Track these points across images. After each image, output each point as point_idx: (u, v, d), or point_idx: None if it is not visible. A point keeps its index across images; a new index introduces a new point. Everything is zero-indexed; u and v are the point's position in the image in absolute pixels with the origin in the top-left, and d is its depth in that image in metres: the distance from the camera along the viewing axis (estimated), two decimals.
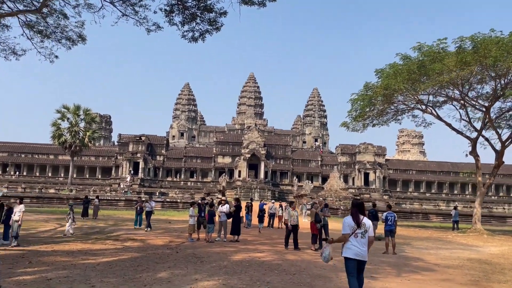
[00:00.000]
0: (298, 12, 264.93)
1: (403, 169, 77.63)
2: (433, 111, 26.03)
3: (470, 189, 75.30)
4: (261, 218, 21.59)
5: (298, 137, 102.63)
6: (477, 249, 15.96)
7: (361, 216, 6.66)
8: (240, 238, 15.33)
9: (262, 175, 66.69)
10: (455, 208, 29.48)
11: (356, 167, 72.41)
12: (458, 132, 25.88)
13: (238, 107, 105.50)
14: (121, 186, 57.59)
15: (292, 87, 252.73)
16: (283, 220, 23.31)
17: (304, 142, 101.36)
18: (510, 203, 71.84)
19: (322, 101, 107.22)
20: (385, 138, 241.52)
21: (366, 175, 72.20)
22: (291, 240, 13.43)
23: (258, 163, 67.89)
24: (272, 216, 22.64)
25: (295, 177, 67.97)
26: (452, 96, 25.08)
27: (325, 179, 70.10)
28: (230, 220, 15.43)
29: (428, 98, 26.32)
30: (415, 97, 24.61)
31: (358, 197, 58.67)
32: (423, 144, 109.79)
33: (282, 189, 68.54)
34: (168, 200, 40.90)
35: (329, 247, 6.87)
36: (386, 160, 77.47)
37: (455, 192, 75.82)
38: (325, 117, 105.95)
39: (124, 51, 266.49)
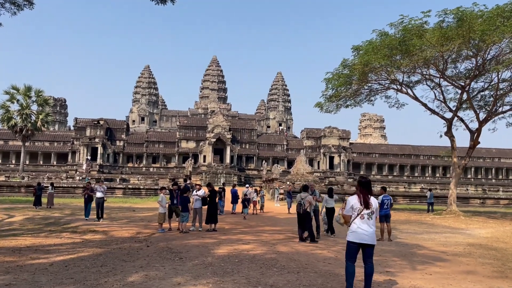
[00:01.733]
0: None
1: (366, 152, 78.42)
2: (408, 90, 25.21)
3: (430, 171, 77.27)
4: (244, 204, 20.29)
5: (262, 121, 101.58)
6: (467, 232, 15.23)
7: (369, 196, 5.86)
8: (217, 227, 13.75)
9: (228, 160, 65.12)
10: (430, 190, 29.20)
11: (322, 151, 72.24)
12: (433, 112, 25.28)
13: (201, 91, 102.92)
14: (83, 167, 54.36)
15: (256, 71, 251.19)
16: (258, 205, 21.99)
17: (268, 126, 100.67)
18: (470, 184, 73.98)
19: (286, 86, 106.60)
20: (348, 122, 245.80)
21: (331, 159, 72.23)
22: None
23: (223, 147, 66.19)
24: (246, 201, 21.22)
25: (263, 161, 67.02)
26: (427, 75, 24.31)
27: (290, 163, 69.64)
28: (205, 207, 13.82)
29: (403, 77, 25.47)
30: (392, 75, 23.66)
31: (326, 179, 58.45)
32: (384, 128, 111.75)
33: (248, 174, 67.38)
34: (130, 187, 38.59)
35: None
36: (350, 143, 77.90)
37: (416, 174, 77.50)
38: (289, 101, 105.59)
39: (80, 30, 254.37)
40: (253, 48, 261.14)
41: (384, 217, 12.30)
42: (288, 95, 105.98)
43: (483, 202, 43.66)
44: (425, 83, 26.49)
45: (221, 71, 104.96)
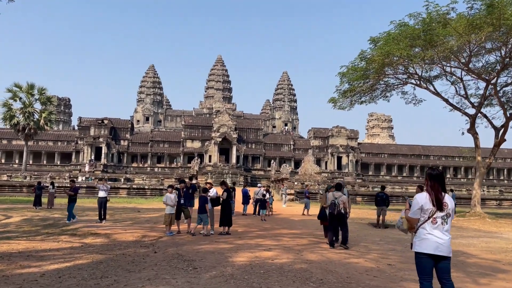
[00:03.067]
0: None
1: (375, 152, 76.94)
2: (428, 85, 23.82)
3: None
4: (263, 204, 18.98)
5: (267, 121, 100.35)
6: (503, 236, 13.89)
7: (443, 194, 4.53)
8: (230, 230, 12.45)
9: (234, 160, 63.87)
10: (452, 190, 27.78)
11: (329, 151, 70.86)
12: (456, 108, 23.88)
13: (205, 91, 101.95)
14: (85, 168, 53.30)
15: (261, 70, 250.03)
16: (270, 206, 20.69)
17: (274, 126, 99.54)
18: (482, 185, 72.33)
19: (292, 85, 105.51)
20: (355, 122, 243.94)
21: (339, 159, 70.85)
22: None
23: (229, 147, 64.95)
24: (258, 202, 19.90)
25: (272, 161, 65.76)
26: (449, 68, 22.90)
27: (297, 163, 68.43)
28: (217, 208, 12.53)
29: (422, 71, 24.09)
30: (412, 69, 22.29)
31: (334, 180, 57.13)
32: (392, 128, 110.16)
33: (254, 174, 66.10)
34: (134, 186, 37.46)
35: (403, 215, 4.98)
36: (358, 144, 76.45)
37: None
38: (295, 101, 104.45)
39: (85, 30, 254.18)
40: (258, 48, 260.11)
41: None
42: (294, 95, 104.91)
43: (500, 203, 42.18)
44: (444, 77, 25.10)
45: (226, 70, 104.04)
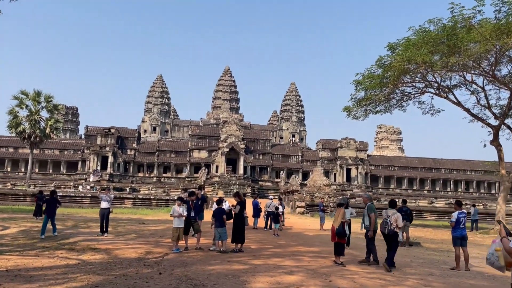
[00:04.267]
0: (276, 5, 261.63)
1: (385, 165, 75.50)
2: (449, 95, 22.71)
3: (452, 186, 74.04)
4: (276, 218, 17.79)
5: (275, 132, 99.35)
6: None
7: None
8: (243, 247, 11.32)
9: (241, 171, 62.78)
10: (474, 206, 26.33)
11: (338, 162, 69.59)
12: (478, 119, 22.74)
13: (213, 101, 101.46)
14: (90, 179, 52.50)
15: (268, 82, 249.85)
16: (283, 219, 19.51)
17: (281, 137, 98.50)
18: (490, 199, 70.44)
19: (299, 96, 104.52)
20: (363, 134, 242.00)
21: (348, 171, 69.54)
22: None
23: (237, 157, 63.93)
24: (270, 215, 18.76)
25: (282, 172, 64.63)
26: (473, 75, 21.78)
27: (305, 175, 67.24)
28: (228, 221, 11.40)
29: (440, 80, 23.00)
30: (433, 76, 21.20)
31: (344, 192, 55.70)
32: (402, 140, 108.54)
33: (261, 185, 64.91)
34: (140, 197, 36.46)
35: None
36: (368, 156, 75.10)
37: (437, 188, 74.26)
38: (303, 112, 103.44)
39: (93, 39, 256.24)
40: (266, 59, 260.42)
41: (460, 239, 9.77)
42: (302, 106, 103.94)
43: None
44: (464, 87, 24.00)
45: (234, 81, 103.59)
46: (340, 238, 10.01)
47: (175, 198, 35.03)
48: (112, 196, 16.14)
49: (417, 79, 23.03)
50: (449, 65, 19.36)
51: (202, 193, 14.66)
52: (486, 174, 75.61)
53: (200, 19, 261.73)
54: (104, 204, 14.94)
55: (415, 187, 73.83)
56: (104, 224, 14.66)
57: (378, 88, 22.00)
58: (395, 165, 75.72)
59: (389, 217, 9.50)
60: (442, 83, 22.67)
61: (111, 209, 15.29)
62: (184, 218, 11.11)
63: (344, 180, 68.70)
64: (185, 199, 11.50)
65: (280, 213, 18.41)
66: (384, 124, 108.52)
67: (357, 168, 69.37)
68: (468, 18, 17.83)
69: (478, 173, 76.32)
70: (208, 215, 14.81)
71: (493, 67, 20.29)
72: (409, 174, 74.13)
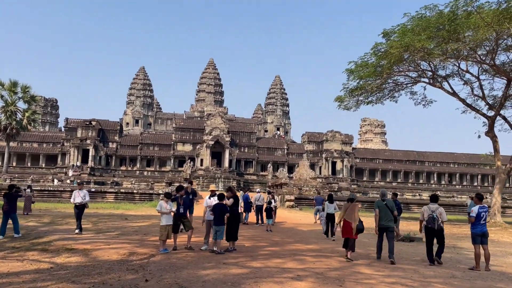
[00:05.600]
0: None
1: (369, 158, 75.48)
2: (444, 84, 22.04)
3: (435, 178, 74.43)
4: (269, 213, 16.79)
5: (259, 125, 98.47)
6: None
7: None
8: (235, 244, 10.30)
9: (226, 164, 61.74)
10: (472, 198, 25.78)
11: (324, 155, 69.18)
12: (473, 109, 22.16)
13: (197, 94, 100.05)
14: (69, 174, 50.73)
15: (253, 75, 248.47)
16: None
17: (266, 131, 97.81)
18: (473, 191, 71.07)
19: (284, 89, 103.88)
20: (347, 127, 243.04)
21: (334, 164, 69.20)
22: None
23: (222, 151, 62.83)
24: (260, 210, 17.77)
25: (269, 165, 63.99)
26: (464, 66, 21.14)
27: (290, 168, 66.73)
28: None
29: (434, 68, 22.30)
30: (428, 65, 20.45)
31: (329, 185, 55.17)
32: (385, 133, 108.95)
33: (247, 179, 63.97)
34: (122, 191, 35.09)
35: None
36: (353, 148, 74.91)
37: (421, 181, 74.61)
38: (287, 105, 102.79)
39: (73, 30, 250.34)
40: (250, 51, 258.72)
41: (481, 237, 8.97)
42: (287, 99, 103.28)
43: (503, 211, 40.66)
44: (457, 77, 23.36)
45: (218, 74, 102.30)
46: (356, 235, 9.95)
47: (160, 192, 33.86)
48: (86, 191, 14.14)
49: (411, 68, 22.29)
50: (449, 52, 18.62)
51: (191, 186, 13.56)
52: (469, 167, 76.26)
53: (184, 11, 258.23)
54: (78, 200, 13.42)
55: (399, 180, 74.04)
56: (78, 223, 13.20)
57: (373, 76, 21.17)
58: (380, 158, 75.80)
59: (434, 212, 9.36)
60: (436, 72, 21.96)
61: (87, 205, 13.85)
62: (172, 214, 10.01)
63: (330, 173, 68.35)
64: (174, 195, 10.33)
65: (274, 207, 17.44)
66: (368, 117, 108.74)
67: (342, 161, 69.05)
68: (470, 2, 17.06)
69: (461, 165, 76.97)
70: (199, 209, 13.76)
71: (494, 55, 19.60)
72: (393, 167, 74.26)
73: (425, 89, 24.35)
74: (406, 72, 22.65)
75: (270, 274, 7.24)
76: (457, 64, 21.82)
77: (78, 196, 13.47)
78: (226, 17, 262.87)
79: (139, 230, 14.18)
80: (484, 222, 9.09)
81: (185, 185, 11.56)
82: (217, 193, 10.52)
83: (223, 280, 6.68)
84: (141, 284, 6.42)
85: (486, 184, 75.51)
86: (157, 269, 7.59)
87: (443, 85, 22.12)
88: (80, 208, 13.29)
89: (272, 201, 17.49)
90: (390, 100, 25.98)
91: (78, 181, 40.20)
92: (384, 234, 9.80)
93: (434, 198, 9.78)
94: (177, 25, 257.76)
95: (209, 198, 10.26)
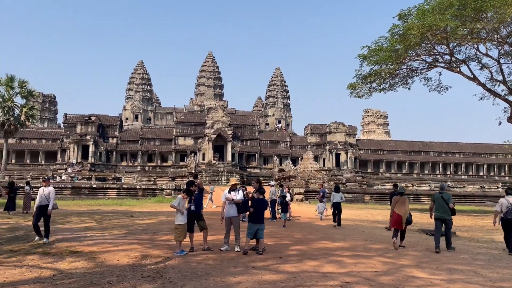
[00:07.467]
0: None
1: (373, 149, 74.51)
2: (461, 68, 20.95)
3: (440, 169, 73.53)
4: (284, 207, 15.74)
5: (260, 118, 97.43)
6: None
7: None
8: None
9: (229, 158, 60.68)
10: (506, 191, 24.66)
11: (327, 147, 68.16)
12: (495, 94, 21.05)
13: (196, 88, 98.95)
14: (68, 171, 49.67)
15: (252, 67, 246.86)
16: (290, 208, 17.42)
17: (267, 124, 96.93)
18: (479, 181, 70.09)
19: (285, 82, 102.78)
20: (349, 119, 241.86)
21: (337, 156, 68.18)
22: None
23: (224, 144, 61.75)
24: (275, 204, 16.70)
25: (275, 158, 63.04)
26: (483, 49, 20.02)
27: (294, 160, 65.67)
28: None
29: (451, 51, 21.15)
30: (448, 47, 19.30)
31: (334, 177, 54.18)
32: (388, 124, 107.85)
33: (250, 172, 62.90)
34: (125, 186, 34.03)
35: None
36: (357, 140, 73.87)
37: (426, 172, 73.71)
38: (288, 98, 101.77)
39: (71, 24, 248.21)
40: (249, 44, 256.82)
41: None
42: (287, 91, 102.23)
43: None
44: (475, 60, 22.22)
45: (217, 67, 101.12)
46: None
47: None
48: (52, 188, 11.18)
49: (427, 52, 21.15)
50: (474, 32, 17.48)
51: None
52: (475, 156, 75.30)
53: (182, 4, 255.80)
54: (40, 201, 10.86)
55: (404, 171, 73.20)
56: (45, 228, 10.69)
57: (390, 61, 20.02)
58: (384, 149, 74.84)
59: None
60: (454, 56, 20.84)
61: (56, 206, 11.54)
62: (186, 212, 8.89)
63: (334, 165, 67.40)
64: (187, 190, 9.17)
65: (289, 201, 16.37)
66: (371, 108, 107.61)
67: (346, 153, 68.05)
68: None
69: (467, 155, 76.06)
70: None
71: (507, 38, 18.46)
72: (398, 158, 73.33)
73: (440, 74, 23.26)
74: (422, 56, 21.51)
75: (311, 281, 6.12)
76: (476, 47, 20.69)
77: (42, 195, 10.82)
78: (225, 10, 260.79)
79: (148, 229, 13.12)
80: None
81: (197, 181, 10.44)
82: (238, 186, 9.44)
83: None
84: None
85: (492, 174, 74.66)
86: (177, 276, 6.49)
87: (461, 69, 21.03)
88: (42, 211, 10.68)
89: (287, 194, 16.43)
90: (403, 87, 24.92)
91: (80, 177, 39.12)
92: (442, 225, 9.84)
93: (510, 191, 9.91)
94: (175, 19, 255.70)
95: (229, 192, 9.18)
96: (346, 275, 6.62)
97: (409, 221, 10.27)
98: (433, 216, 10.14)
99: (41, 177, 27.22)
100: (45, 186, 11.16)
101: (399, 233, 10.03)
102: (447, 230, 9.80)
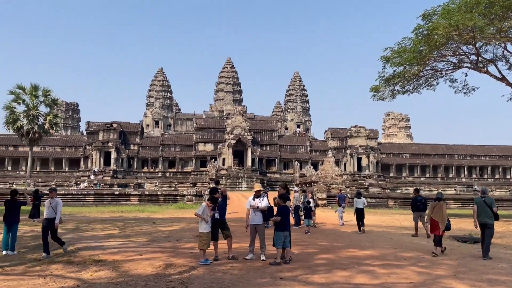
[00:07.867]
0: None
1: (396, 152, 73.16)
2: (489, 67, 20.24)
3: (465, 172, 71.66)
4: (308, 213, 15.42)
5: (279, 123, 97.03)
6: None
7: None
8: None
9: (249, 163, 60.48)
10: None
11: (348, 151, 67.28)
12: None
13: (215, 94, 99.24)
14: (91, 177, 50.37)
15: (271, 72, 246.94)
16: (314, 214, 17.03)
17: (286, 128, 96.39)
18: (506, 185, 68.02)
19: (304, 86, 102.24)
20: (370, 122, 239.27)
21: (359, 160, 67.22)
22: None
23: (244, 149, 61.62)
24: (298, 210, 16.35)
25: (296, 162, 62.72)
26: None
27: (314, 165, 64.94)
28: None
29: (478, 51, 20.51)
30: (474, 47, 18.70)
31: (357, 182, 53.38)
32: (410, 127, 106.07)
33: (270, 178, 62.63)
34: (146, 193, 34.17)
35: None
36: (378, 143, 72.71)
37: (450, 175, 71.88)
38: (307, 102, 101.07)
39: (93, 34, 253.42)
40: (268, 49, 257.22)
41: None
42: (306, 96, 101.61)
43: None
44: (502, 60, 21.50)
45: (236, 73, 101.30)
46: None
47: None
48: (59, 200, 10.43)
49: (452, 52, 20.55)
50: (503, 31, 16.87)
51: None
52: (501, 159, 73.20)
53: (200, 11, 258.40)
54: (47, 213, 10.11)
55: (427, 175, 71.65)
56: (48, 241, 9.75)
57: (414, 62, 19.51)
58: (407, 153, 73.43)
59: None
60: (481, 55, 20.19)
61: (61, 220, 10.58)
62: (210, 219, 8.67)
63: (355, 169, 66.50)
64: (217, 198, 8.91)
65: (313, 207, 16.03)
66: (392, 111, 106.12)
67: (368, 157, 67.05)
68: None
69: (493, 158, 74.02)
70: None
71: None
72: (421, 162, 71.85)
73: (466, 75, 22.58)
74: (447, 57, 20.92)
75: None
76: (504, 46, 20.00)
77: (49, 207, 10.10)
78: (243, 16, 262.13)
79: (170, 236, 12.98)
80: None
81: (220, 187, 10.19)
82: (262, 193, 9.18)
83: None
84: None
85: (508, 177, 72.50)
86: (202, 287, 6.29)
87: (489, 69, 20.34)
88: (50, 224, 9.85)
89: (311, 200, 16.06)
90: (428, 88, 24.29)
91: (102, 184, 39.52)
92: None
93: None
94: (194, 26, 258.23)
95: (253, 199, 8.94)
96: (380, 287, 6.28)
97: (447, 227, 10.13)
98: (477, 222, 9.66)
99: (48, 188, 27.18)
100: (51, 198, 10.44)
101: (441, 240, 9.89)
102: (488, 236, 9.39)
